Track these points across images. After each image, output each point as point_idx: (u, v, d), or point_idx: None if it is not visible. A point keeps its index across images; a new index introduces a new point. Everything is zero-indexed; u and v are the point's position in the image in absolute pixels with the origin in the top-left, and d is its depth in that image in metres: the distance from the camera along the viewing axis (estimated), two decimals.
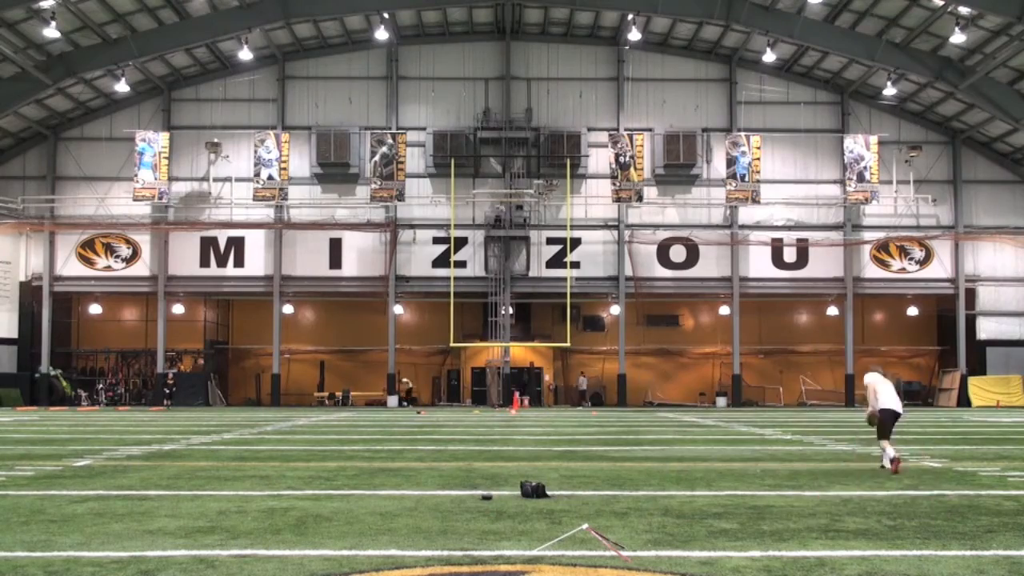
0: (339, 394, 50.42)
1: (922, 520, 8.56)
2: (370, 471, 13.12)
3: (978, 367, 49.63)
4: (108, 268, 48.35)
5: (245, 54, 45.24)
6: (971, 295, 49.91)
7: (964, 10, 39.07)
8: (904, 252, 49.78)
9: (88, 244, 48.29)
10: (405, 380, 50.71)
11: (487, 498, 9.83)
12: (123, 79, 44.71)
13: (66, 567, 6.50)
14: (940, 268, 49.62)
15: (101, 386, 48.96)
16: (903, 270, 49.67)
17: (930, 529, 8.08)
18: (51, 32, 39.74)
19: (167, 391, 45.69)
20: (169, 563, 6.61)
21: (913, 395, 50.97)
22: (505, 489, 10.42)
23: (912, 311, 51.76)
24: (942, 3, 39.26)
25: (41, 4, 38.51)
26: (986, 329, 50.16)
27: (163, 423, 27.33)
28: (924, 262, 49.70)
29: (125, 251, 48.44)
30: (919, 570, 6.46)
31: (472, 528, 8.04)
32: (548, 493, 10.13)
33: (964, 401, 48.50)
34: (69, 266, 48.28)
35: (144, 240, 48.49)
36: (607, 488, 11.01)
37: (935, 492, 10.61)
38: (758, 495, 10.30)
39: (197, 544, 7.26)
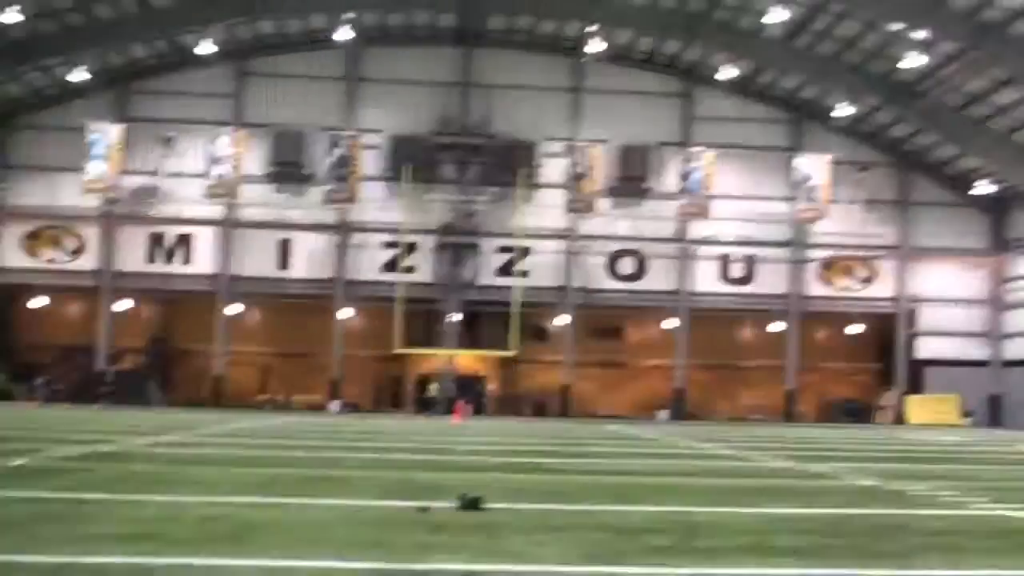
0: (281, 398, 49.87)
1: (851, 539, 8.74)
2: (309, 478, 13.12)
3: (917, 386, 50.44)
4: (52, 261, 47.84)
5: (205, 48, 44.64)
6: (912, 315, 50.81)
7: (919, 35, 39.68)
8: (849, 271, 50.65)
9: (34, 236, 47.63)
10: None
11: (425, 510, 9.87)
12: (81, 68, 44.04)
13: None
14: (883, 287, 50.50)
15: (40, 382, 48.12)
16: (847, 288, 50.52)
17: (859, 548, 8.26)
18: (10, 17, 38.60)
19: (105, 389, 44.97)
20: (105, 570, 6.58)
21: (853, 413, 51.61)
22: (444, 500, 10.48)
23: (853, 329, 52.55)
24: (897, 28, 39.91)
25: None
26: (926, 349, 51.05)
27: (102, 423, 27.04)
28: (868, 281, 50.59)
29: (72, 244, 47.95)
30: None
31: (410, 540, 8.09)
32: (486, 506, 10.19)
33: (902, 419, 49.28)
34: (13, 257, 47.54)
35: (92, 234, 47.96)
36: (545, 502, 11.11)
37: (866, 511, 10.83)
38: (693, 511, 10.45)
39: (133, 551, 7.23)
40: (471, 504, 10.09)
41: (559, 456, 18.64)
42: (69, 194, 46.98)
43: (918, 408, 49.70)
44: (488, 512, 9.86)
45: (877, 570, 7.33)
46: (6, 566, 6.62)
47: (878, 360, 54.03)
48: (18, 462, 13.87)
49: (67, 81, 45.75)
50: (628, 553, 7.84)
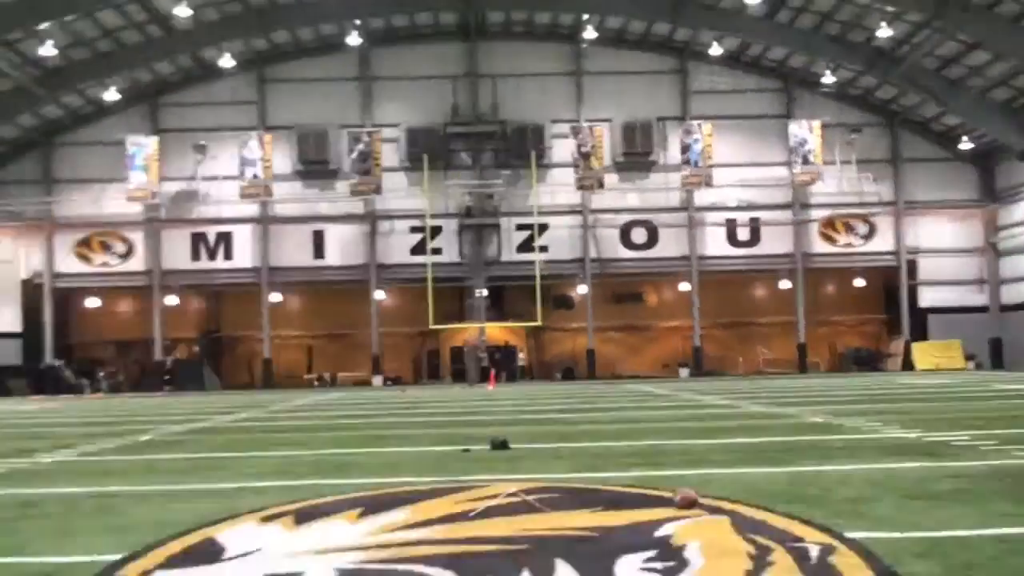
0: (328, 375, 53.81)
1: (762, 454, 12.19)
2: (377, 436, 16.72)
3: (922, 333, 53.33)
4: (105, 264, 51.65)
5: (226, 61, 48.27)
6: (912, 266, 53.72)
7: (887, 8, 42.37)
8: (849, 228, 53.57)
9: (85, 242, 51.47)
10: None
11: (467, 451, 13.46)
12: (112, 88, 47.74)
13: (188, 502, 10.00)
14: (883, 242, 53.43)
15: (102, 374, 52.18)
16: (849, 244, 53.50)
17: (761, 458, 11.70)
18: (47, 51, 42.50)
19: (167, 377, 49.02)
20: (265, 491, 10.13)
21: (863, 361, 54.70)
22: (480, 444, 14.02)
23: (859, 283, 55.61)
24: (868, 1, 42.65)
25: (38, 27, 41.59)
26: (927, 298, 53.96)
27: (178, 407, 30.71)
28: (868, 236, 53.52)
29: (121, 248, 51.70)
30: (734, 480, 10.10)
31: (457, 467, 11.64)
32: (510, 446, 13.74)
33: (909, 365, 52.21)
34: (68, 263, 51.52)
35: (138, 238, 51.71)
36: (555, 442, 14.64)
37: (794, 438, 14.27)
38: (665, 443, 13.94)
39: (278, 477, 10.83)
40: (500, 445, 13.65)
41: (574, 412, 22.18)
42: (114, 203, 50.61)
43: (923, 354, 52.61)
44: (513, 450, 13.41)
45: (759, 468, 10.77)
46: (205, 491, 10.17)
47: (884, 311, 57.05)
48: (144, 438, 17.52)
49: (101, 100, 49.34)
50: (606, 467, 11.35)
